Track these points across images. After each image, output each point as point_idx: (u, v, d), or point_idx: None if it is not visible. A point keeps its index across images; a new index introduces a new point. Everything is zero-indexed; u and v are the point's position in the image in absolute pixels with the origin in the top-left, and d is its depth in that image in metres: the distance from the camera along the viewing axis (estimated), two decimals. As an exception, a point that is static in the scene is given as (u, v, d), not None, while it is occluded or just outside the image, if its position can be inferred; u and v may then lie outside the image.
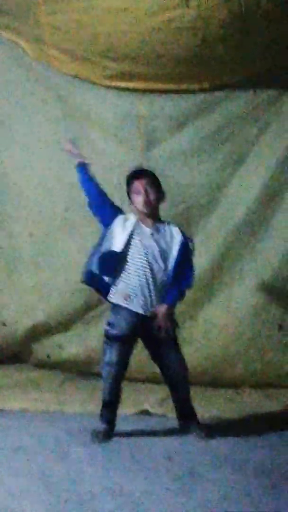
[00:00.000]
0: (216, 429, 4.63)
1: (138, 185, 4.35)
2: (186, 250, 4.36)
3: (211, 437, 4.39)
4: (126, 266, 4.29)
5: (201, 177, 5.59)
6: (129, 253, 4.28)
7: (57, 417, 4.80)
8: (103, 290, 4.42)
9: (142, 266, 4.28)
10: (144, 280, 4.28)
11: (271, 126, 5.59)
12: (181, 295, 4.41)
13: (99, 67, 5.47)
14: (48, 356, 5.81)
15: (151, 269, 4.29)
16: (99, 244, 4.34)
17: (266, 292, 5.60)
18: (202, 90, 5.50)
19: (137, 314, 4.29)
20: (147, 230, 4.33)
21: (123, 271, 4.30)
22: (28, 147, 5.75)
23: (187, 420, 4.49)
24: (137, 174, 4.41)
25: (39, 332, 5.81)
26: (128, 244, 4.27)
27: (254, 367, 5.59)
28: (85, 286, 5.63)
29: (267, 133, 5.58)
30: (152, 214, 4.37)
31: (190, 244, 4.40)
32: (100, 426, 4.38)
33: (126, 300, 4.28)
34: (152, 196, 4.33)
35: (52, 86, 5.69)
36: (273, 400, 5.30)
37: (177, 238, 4.34)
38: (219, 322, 5.60)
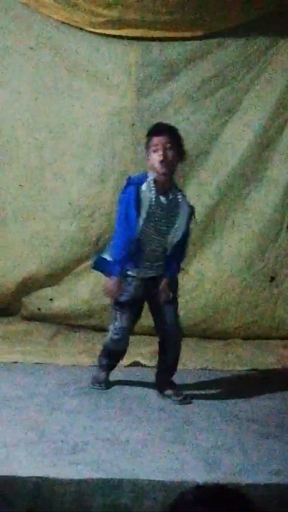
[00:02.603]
0: (208, 380, 4.65)
1: (157, 141, 4.08)
2: (190, 220, 4.23)
3: (187, 403, 4.26)
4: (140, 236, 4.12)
5: (193, 126, 5.52)
6: (144, 225, 4.10)
7: (48, 369, 4.79)
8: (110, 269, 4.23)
9: (152, 235, 4.13)
10: (154, 248, 4.16)
11: (264, 74, 5.51)
12: (179, 267, 4.35)
13: (89, 13, 5.36)
14: (38, 309, 5.78)
15: (161, 238, 4.15)
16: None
17: (258, 243, 5.57)
18: (195, 38, 5.42)
19: (142, 278, 4.22)
20: (161, 198, 4.11)
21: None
22: (16, 97, 5.63)
23: (166, 383, 4.37)
24: (158, 130, 4.16)
25: (29, 285, 5.77)
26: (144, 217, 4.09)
27: (246, 319, 5.60)
28: (75, 238, 5.64)
29: (259, 82, 5.51)
30: (169, 174, 4.14)
31: (192, 214, 4.25)
32: (101, 373, 4.45)
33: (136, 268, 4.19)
34: (170, 155, 4.07)
35: (41, 33, 5.56)
36: (264, 351, 5.31)
37: (186, 209, 4.17)
38: (210, 274, 5.58)
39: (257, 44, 5.51)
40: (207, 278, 5.58)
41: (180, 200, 4.17)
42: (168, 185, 4.14)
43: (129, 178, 4.23)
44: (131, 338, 5.27)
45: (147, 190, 4.07)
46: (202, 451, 3.51)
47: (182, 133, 5.42)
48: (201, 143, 5.55)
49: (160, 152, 4.06)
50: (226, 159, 5.56)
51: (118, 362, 4.53)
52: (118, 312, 4.28)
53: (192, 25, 5.34)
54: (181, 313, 4.47)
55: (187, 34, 5.39)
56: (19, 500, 3.09)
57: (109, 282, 4.21)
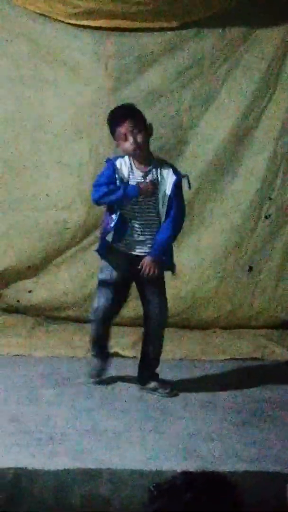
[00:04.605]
0: (187, 370, 4.68)
1: (124, 130, 4.08)
2: (178, 190, 4.18)
3: (174, 395, 4.23)
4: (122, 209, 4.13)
5: (170, 117, 5.50)
6: None
7: (27, 361, 4.80)
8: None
9: (135, 210, 4.13)
10: (140, 223, 4.14)
11: (241, 64, 5.49)
12: (168, 242, 4.25)
13: (65, 4, 5.32)
14: (17, 301, 5.76)
15: (147, 212, 4.15)
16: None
17: (236, 233, 5.58)
18: (171, 28, 5.41)
19: (129, 256, 4.17)
20: (139, 173, 4.14)
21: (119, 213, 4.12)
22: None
23: (148, 376, 4.31)
24: (119, 119, 4.15)
25: (8, 277, 5.75)
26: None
27: (224, 308, 5.61)
28: (54, 230, 5.62)
29: (236, 72, 5.49)
30: (144, 154, 4.15)
31: (184, 181, 4.22)
32: (95, 363, 4.38)
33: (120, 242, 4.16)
34: (139, 138, 4.08)
35: (16, 25, 5.52)
36: (242, 341, 5.33)
37: (170, 178, 4.14)
38: (189, 264, 5.58)
39: (234, 34, 5.49)
40: (186, 268, 5.57)
41: (161, 171, 4.16)
42: (143, 159, 4.15)
43: (108, 158, 4.29)
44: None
45: (123, 165, 4.14)
46: (180, 440, 3.54)
47: (159, 124, 5.48)
48: (178, 134, 5.54)
49: (131, 140, 4.08)
50: (203, 150, 5.55)
51: (106, 348, 4.42)
52: (97, 292, 4.29)
53: (168, 16, 5.33)
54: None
55: (163, 24, 5.37)
56: (-2, 491, 3.10)
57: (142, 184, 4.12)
